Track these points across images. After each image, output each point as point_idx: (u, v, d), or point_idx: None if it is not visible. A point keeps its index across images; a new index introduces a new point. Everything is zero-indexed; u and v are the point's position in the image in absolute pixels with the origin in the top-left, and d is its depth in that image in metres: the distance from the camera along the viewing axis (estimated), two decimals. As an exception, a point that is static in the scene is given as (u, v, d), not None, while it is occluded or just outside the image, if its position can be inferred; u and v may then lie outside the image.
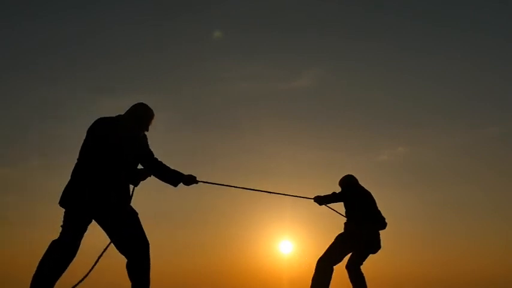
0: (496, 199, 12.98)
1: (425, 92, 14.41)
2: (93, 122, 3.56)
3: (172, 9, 13.42)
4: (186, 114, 13.66)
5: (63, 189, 3.48)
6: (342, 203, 5.47)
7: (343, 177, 5.62)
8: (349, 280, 5.28)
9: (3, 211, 11.90)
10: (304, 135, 13.98)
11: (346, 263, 5.30)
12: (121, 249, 3.51)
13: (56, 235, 3.48)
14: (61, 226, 3.47)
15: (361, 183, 5.58)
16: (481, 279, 10.62)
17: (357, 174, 5.64)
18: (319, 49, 14.15)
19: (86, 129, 3.54)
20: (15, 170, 13.17)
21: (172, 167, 3.83)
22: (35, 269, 3.37)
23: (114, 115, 3.67)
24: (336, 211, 5.46)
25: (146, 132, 3.79)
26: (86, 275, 3.53)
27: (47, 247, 3.43)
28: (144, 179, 3.70)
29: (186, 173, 3.92)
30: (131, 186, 3.63)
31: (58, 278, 3.40)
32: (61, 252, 3.40)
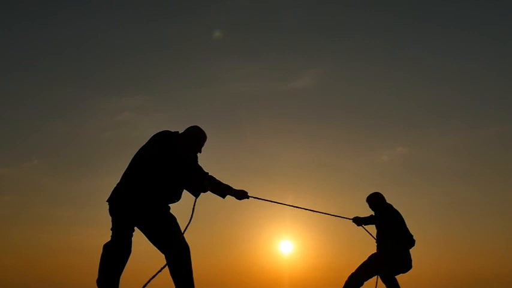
0: (496, 199, 13.00)
1: (425, 92, 14.42)
2: (158, 132, 3.80)
3: (172, 9, 13.43)
4: (186, 114, 13.66)
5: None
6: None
7: (374, 196, 5.69)
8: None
9: (3, 211, 11.91)
10: (304, 135, 13.99)
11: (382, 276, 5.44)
12: (164, 253, 3.69)
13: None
14: (111, 229, 3.70)
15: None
16: (481, 279, 10.64)
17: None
18: (319, 49, 14.17)
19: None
20: (15, 170, 13.18)
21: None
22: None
23: (173, 130, 3.87)
24: (371, 234, 5.56)
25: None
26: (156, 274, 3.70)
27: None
28: (205, 191, 3.91)
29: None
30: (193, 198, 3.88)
31: (119, 276, 3.63)
32: (115, 251, 3.64)
